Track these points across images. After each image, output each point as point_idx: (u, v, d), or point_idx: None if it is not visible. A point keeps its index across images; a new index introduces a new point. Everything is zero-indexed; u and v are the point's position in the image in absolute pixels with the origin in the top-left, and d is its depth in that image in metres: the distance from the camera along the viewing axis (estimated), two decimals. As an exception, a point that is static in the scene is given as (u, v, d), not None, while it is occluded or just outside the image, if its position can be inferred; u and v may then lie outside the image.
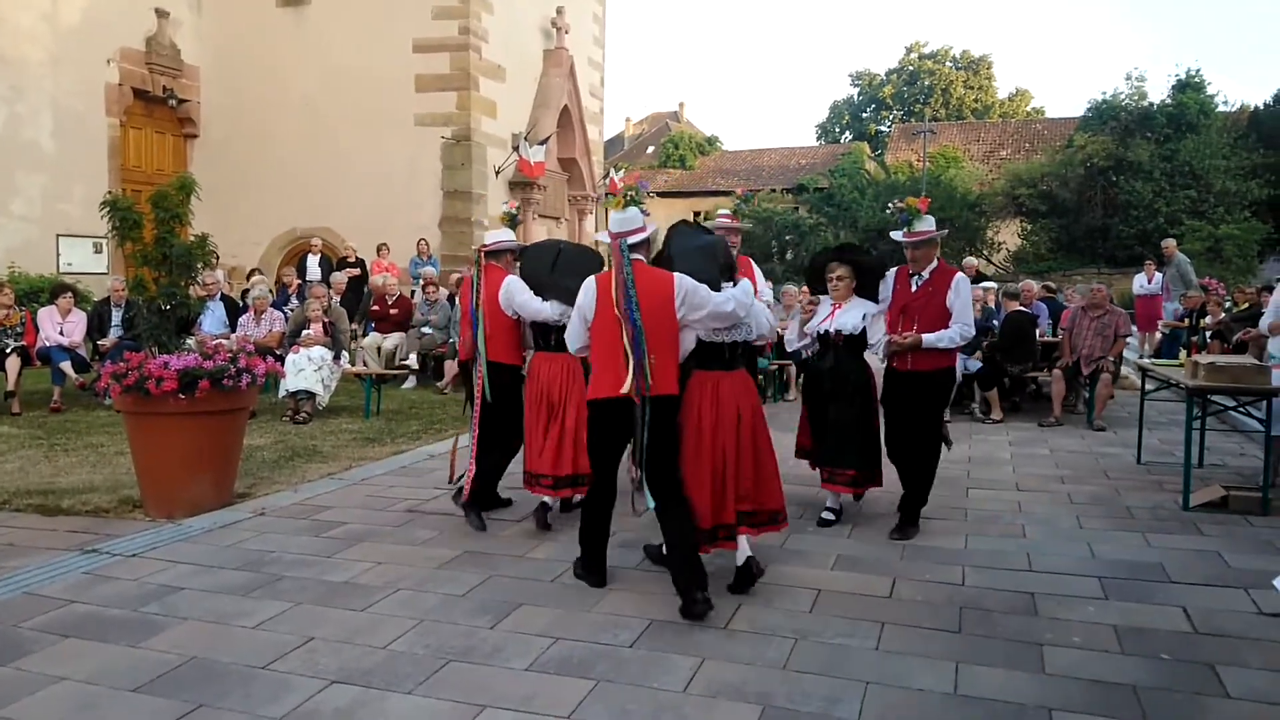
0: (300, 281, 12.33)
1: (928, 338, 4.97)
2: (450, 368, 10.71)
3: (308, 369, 8.76)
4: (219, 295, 10.23)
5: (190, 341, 7.87)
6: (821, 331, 5.22)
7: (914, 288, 5.13)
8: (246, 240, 15.70)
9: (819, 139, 49.24)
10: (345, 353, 9.63)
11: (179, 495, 5.36)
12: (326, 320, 9.27)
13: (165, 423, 5.27)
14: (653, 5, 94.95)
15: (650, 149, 41.04)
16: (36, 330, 9.26)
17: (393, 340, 11.35)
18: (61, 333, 9.26)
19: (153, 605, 3.98)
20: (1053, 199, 24.75)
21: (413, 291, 12.89)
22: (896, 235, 5.25)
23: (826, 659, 3.44)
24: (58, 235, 13.93)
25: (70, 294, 9.53)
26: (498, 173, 16.71)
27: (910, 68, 49.23)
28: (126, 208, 7.56)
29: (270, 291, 11.05)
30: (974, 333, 5.25)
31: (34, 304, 10.33)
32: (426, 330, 11.33)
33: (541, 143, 17.10)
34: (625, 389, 3.81)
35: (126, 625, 3.75)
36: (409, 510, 5.60)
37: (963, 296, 5.02)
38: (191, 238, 7.95)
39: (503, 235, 5.42)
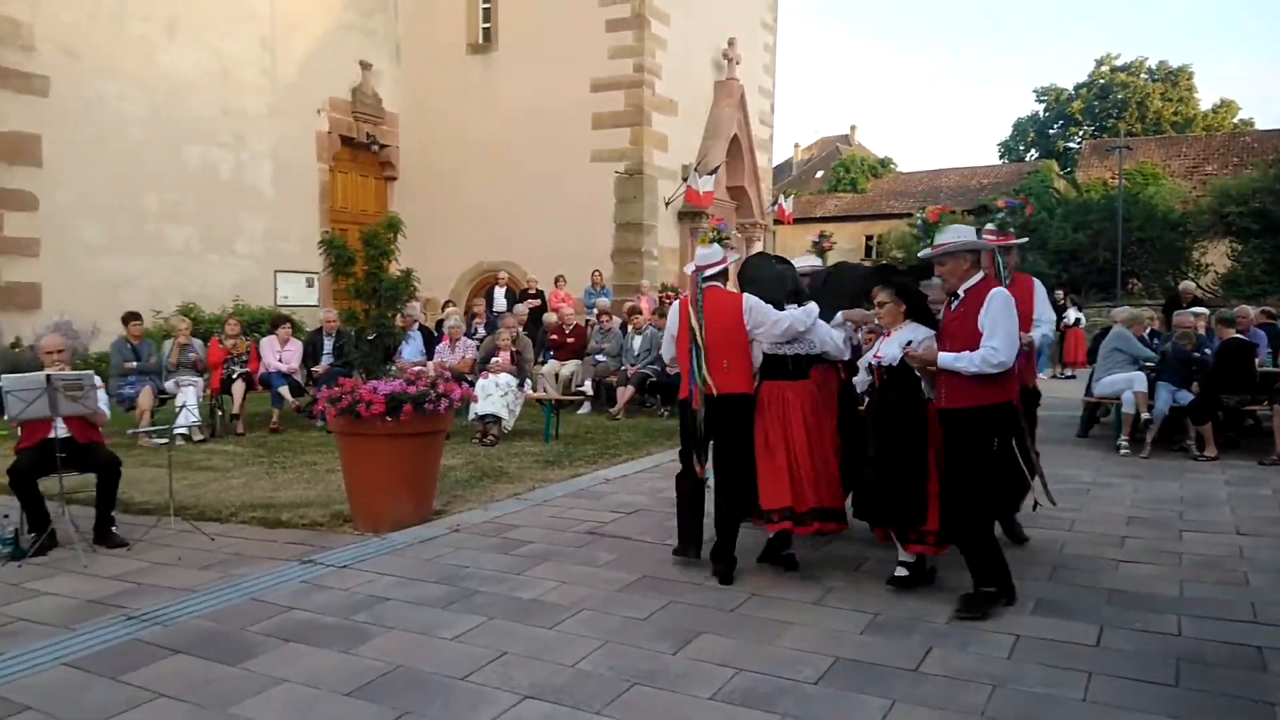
0: (488, 312, 12.99)
1: (944, 358, 4.22)
2: (623, 394, 10.96)
3: (495, 394, 9.20)
4: (416, 325, 10.94)
5: (393, 368, 8.46)
6: (870, 364, 4.65)
7: (953, 308, 4.40)
8: (438, 274, 16.73)
9: (1002, 157, 47.14)
10: (529, 379, 10.05)
11: (384, 511, 5.76)
12: (514, 349, 9.72)
13: (373, 443, 5.68)
14: (824, 31, 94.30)
15: (819, 173, 40.59)
16: (259, 358, 10.22)
17: (569, 367, 11.76)
18: (280, 360, 10.18)
19: (362, 614, 4.28)
20: (1267, 217, 22.53)
21: (587, 321, 13.30)
22: (925, 251, 4.69)
23: (1027, 708, 3.26)
24: (275, 271, 15.34)
25: (288, 325, 10.47)
26: (667, 204, 17.02)
27: (1101, 81, 46.33)
28: (341, 246, 8.28)
29: (461, 321, 11.71)
30: (1004, 358, 4.10)
31: (256, 334, 11.40)
32: (600, 358, 11.66)
33: (711, 173, 17.29)
34: (686, 394, 4.77)
35: (340, 632, 4.06)
36: (589, 532, 5.76)
37: (994, 313, 4.14)
38: (396, 273, 8.59)
39: (714, 255, 5.08)
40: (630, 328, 11.59)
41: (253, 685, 3.51)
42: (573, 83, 16.20)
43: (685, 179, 17.07)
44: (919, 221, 4.94)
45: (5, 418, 5.35)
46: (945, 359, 4.21)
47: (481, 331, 11.59)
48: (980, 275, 4.35)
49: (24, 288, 12.01)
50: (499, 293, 14.76)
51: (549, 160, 16.34)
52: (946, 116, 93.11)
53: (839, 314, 5.16)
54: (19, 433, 5.57)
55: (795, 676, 3.54)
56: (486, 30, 17.21)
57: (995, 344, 4.10)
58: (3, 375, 5.41)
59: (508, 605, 4.39)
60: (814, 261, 5.93)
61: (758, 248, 20.34)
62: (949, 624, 4.11)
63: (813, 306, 4.86)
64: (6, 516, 5.49)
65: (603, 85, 16.19)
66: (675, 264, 16.68)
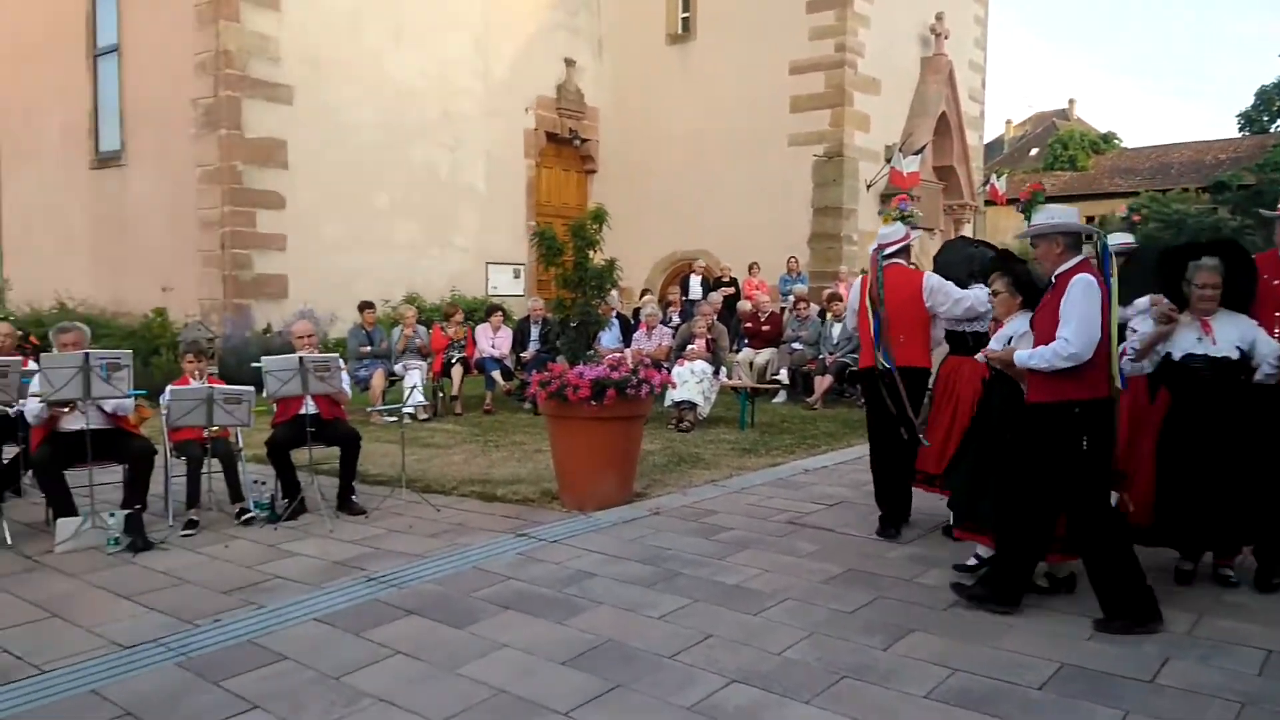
0: (683, 300, 13.14)
1: (1019, 355, 4.02)
2: (821, 383, 10.78)
3: (690, 381, 9.31)
4: (614, 313, 11.25)
5: (594, 354, 8.75)
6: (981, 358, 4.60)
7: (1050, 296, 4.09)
8: (633, 263, 17.08)
9: (1242, 129, 42.27)
10: (724, 367, 10.10)
11: (589, 490, 5.99)
12: (709, 337, 9.80)
13: (579, 425, 5.91)
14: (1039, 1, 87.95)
15: (1034, 151, 38.02)
16: (474, 344, 10.88)
17: (764, 355, 11.68)
18: (493, 346, 10.80)
19: (573, 588, 4.47)
20: None
21: (783, 309, 13.16)
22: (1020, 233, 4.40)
23: (1289, 735, 2.94)
24: (487, 263, 16.23)
25: (500, 313, 11.08)
26: (869, 186, 16.51)
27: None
28: (551, 237, 8.66)
29: (657, 309, 11.92)
30: (1075, 349, 3.78)
31: (470, 322, 12.13)
32: (797, 346, 11.50)
33: (916, 153, 16.58)
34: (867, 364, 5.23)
35: (553, 603, 4.26)
36: (790, 522, 5.72)
37: (1071, 299, 3.84)
38: (601, 262, 8.89)
39: (896, 233, 5.39)
40: (829, 315, 11.36)
41: (477, 648, 3.76)
42: (771, 67, 16.02)
43: (888, 160, 16.49)
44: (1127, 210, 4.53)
45: (264, 395, 5.99)
46: (1020, 356, 4.02)
47: (676, 319, 11.74)
48: (1077, 259, 4.01)
49: (273, 279, 13.35)
50: (694, 280, 14.88)
51: (745, 146, 16.27)
52: (1178, 85, 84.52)
53: None
54: (274, 409, 6.22)
55: (1017, 680, 3.37)
56: (685, 20, 17.33)
57: (1067, 334, 3.81)
58: (263, 357, 6.06)
59: (711, 589, 4.45)
60: (1126, 238, 5.54)
61: (966, 230, 19.38)
62: (1184, 634, 3.76)
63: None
64: (264, 483, 6.17)
65: (802, 67, 15.91)
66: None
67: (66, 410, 5.36)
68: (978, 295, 5.07)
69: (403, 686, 3.40)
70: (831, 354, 11.01)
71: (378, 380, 9.96)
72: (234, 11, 12.60)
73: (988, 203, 21.02)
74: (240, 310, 12.73)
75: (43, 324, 11.93)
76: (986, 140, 28.02)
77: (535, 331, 11.09)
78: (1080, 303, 3.84)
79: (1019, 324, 4.40)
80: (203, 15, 12.70)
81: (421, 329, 10.85)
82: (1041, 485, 3.96)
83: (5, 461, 6.10)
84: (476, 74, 15.95)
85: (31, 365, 5.77)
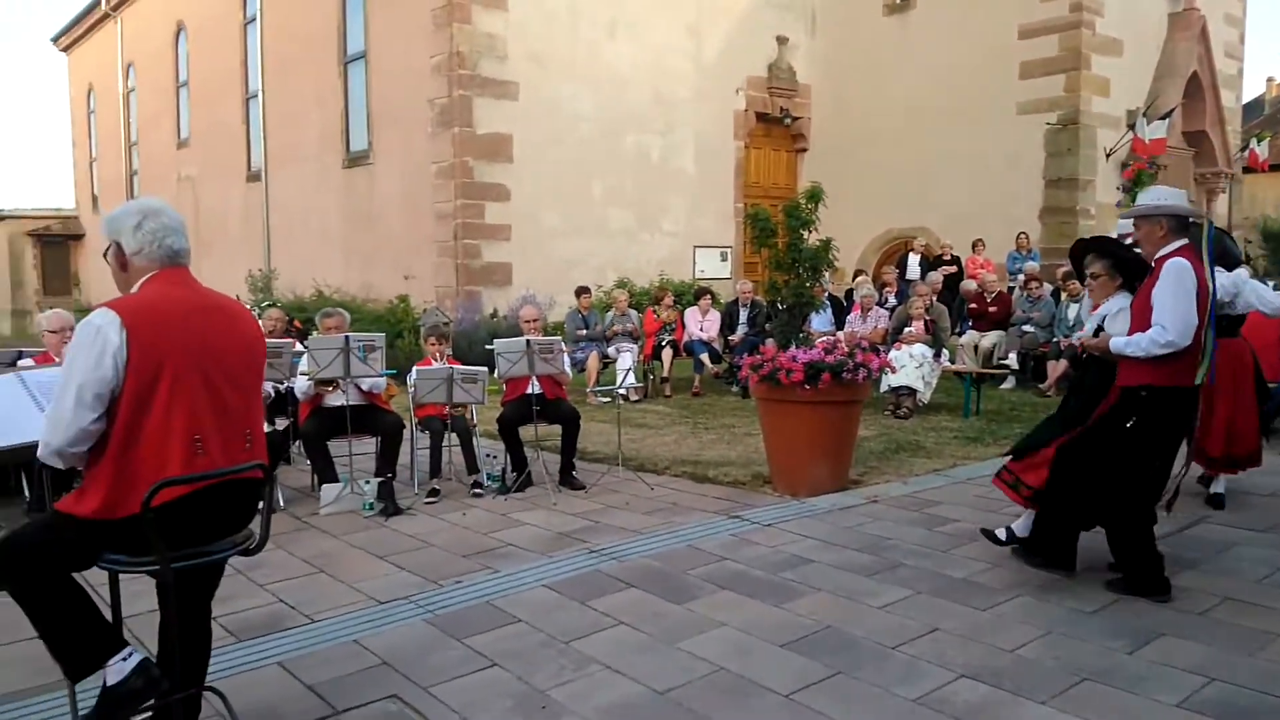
0: (899, 280, 12.68)
1: (1115, 343, 3.98)
2: (1054, 368, 10.06)
3: (909, 366, 8.98)
4: (826, 295, 11.04)
5: (804, 337, 8.63)
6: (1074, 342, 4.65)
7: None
8: (846, 243, 16.62)
9: None
10: (945, 350, 9.66)
11: (802, 476, 5.93)
12: (928, 318, 9.40)
13: (792, 409, 5.86)
14: (1317, -70, 76.68)
15: (1310, 108, 33.34)
16: (684, 327, 11.04)
17: (991, 338, 11.06)
18: (701, 329, 10.91)
19: (788, 572, 4.46)
20: None
21: (1010, 288, 12.39)
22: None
23: None
24: (694, 247, 16.39)
25: (709, 296, 11.18)
26: (1109, 156, 15.16)
27: None
28: (765, 218, 8.62)
29: (873, 290, 11.58)
30: (1172, 337, 3.76)
31: (679, 306, 12.31)
32: (1028, 328, 10.80)
33: (1163, 117, 15.03)
34: (1198, 379, 3.98)
35: (769, 586, 4.27)
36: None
37: (1162, 286, 3.83)
38: (816, 242, 8.74)
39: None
40: (1064, 295, 10.57)
41: (696, 624, 3.84)
42: (996, 32, 15.04)
43: (1130, 126, 15.07)
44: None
45: (495, 375, 6.39)
46: (1117, 344, 3.97)
47: (893, 301, 11.35)
48: (1178, 244, 3.95)
49: (499, 267, 14.18)
50: (912, 260, 14.32)
51: (967, 117, 15.39)
52: None
53: None
54: (504, 388, 6.61)
55: (1289, 700, 3.03)
56: (904, -11, 16.63)
57: (1164, 321, 3.80)
58: (495, 340, 6.46)
59: (935, 581, 4.29)
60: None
61: (1221, 201, 17.43)
62: None
63: (1241, 271, 5.30)
64: (495, 457, 6.59)
65: (1032, 31, 14.82)
66: (1115, 222, 14.82)
67: (330, 389, 5.98)
68: (1222, 281, 4.81)
69: (626, 655, 3.54)
70: (1067, 336, 10.24)
71: (592, 362, 10.34)
72: (466, 14, 13.43)
73: (1246, 170, 18.77)
74: (471, 296, 13.62)
75: (304, 309, 13.33)
76: (1244, 100, 24.98)
77: (744, 314, 11.09)
78: (1171, 288, 3.82)
79: (1114, 304, 4.33)
80: (438, 19, 13.64)
81: (633, 313, 11.14)
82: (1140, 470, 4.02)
83: (278, 433, 6.88)
84: (688, 58, 16.09)
85: (298, 346, 6.46)
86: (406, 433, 6.31)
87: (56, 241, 28.43)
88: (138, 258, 2.62)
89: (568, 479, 6.41)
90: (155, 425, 2.45)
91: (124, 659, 2.52)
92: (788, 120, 17.44)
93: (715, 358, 10.91)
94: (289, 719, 3.08)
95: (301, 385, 6.04)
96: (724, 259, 16.79)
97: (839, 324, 10.72)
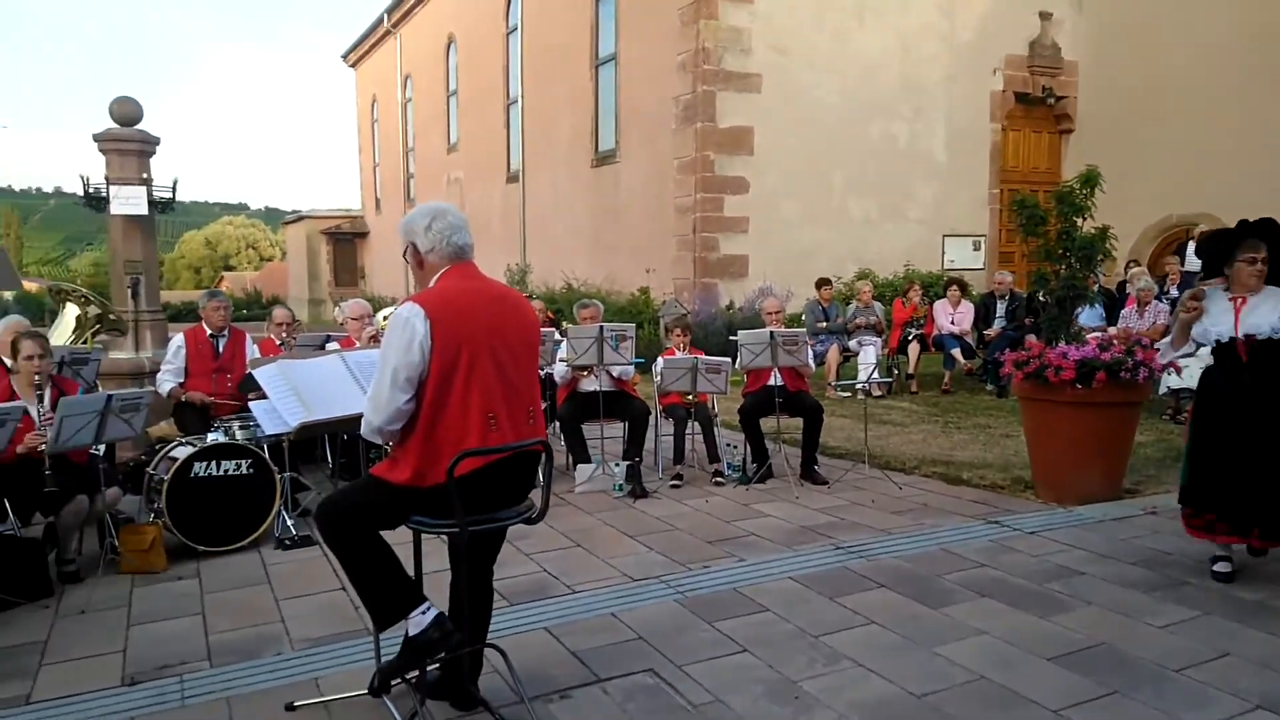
0: (1181, 271, 11.44)
1: None
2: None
3: (1193, 366, 8.08)
4: (1096, 287, 10.17)
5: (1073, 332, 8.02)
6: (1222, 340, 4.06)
7: None
8: (1118, 231, 15.23)
9: None
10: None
11: (1069, 482, 5.53)
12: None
13: (1061, 410, 5.46)
14: None
15: None
16: (933, 320, 10.59)
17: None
18: (952, 322, 10.41)
19: (1055, 583, 4.19)
20: None
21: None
22: None
23: None
24: (943, 235, 15.65)
25: (960, 287, 10.64)
26: None
27: None
28: (1034, 205, 8.08)
29: (1151, 283, 10.52)
30: None
31: (927, 298, 11.82)
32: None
33: None
34: None
35: (1034, 596, 4.03)
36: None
37: None
38: (1091, 231, 8.07)
39: None
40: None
41: (953, 630, 3.70)
42: (1306, -10, 13.14)
43: None
44: None
45: (737, 365, 6.46)
46: None
47: (1175, 293, 10.24)
48: None
49: (736, 259, 14.27)
50: (1191, 250, 12.83)
51: (1255, 92, 13.54)
52: None
53: None
54: (745, 379, 6.68)
55: None
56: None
57: None
58: (739, 331, 6.54)
59: (1225, 603, 3.87)
60: None
61: None
62: None
63: None
64: (735, 447, 6.67)
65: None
66: None
67: (585, 374, 6.32)
68: None
69: (879, 654, 3.48)
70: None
71: (832, 355, 10.17)
72: (713, 9, 13.61)
73: None
74: (708, 289, 13.83)
75: (554, 301, 14.13)
76: None
77: (1001, 307, 10.45)
78: None
79: (1268, 295, 4.03)
80: (685, 17, 13.92)
81: (877, 305, 10.83)
82: None
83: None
84: (941, 39, 15.36)
85: (557, 335, 6.88)
86: (651, 419, 6.53)
87: (346, 239, 31.93)
88: (431, 255, 2.91)
89: (809, 473, 6.37)
90: (456, 404, 2.73)
91: (423, 612, 2.82)
92: (1051, 100, 16.20)
93: (968, 353, 10.39)
94: (558, 681, 3.31)
95: (560, 370, 6.43)
96: (976, 248, 15.93)
97: (1110, 319, 9.83)
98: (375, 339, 6.50)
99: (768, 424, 6.51)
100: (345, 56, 32.33)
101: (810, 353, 6.69)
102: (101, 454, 4.92)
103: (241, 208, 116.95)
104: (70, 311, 7.06)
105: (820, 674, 3.34)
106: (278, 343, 6.61)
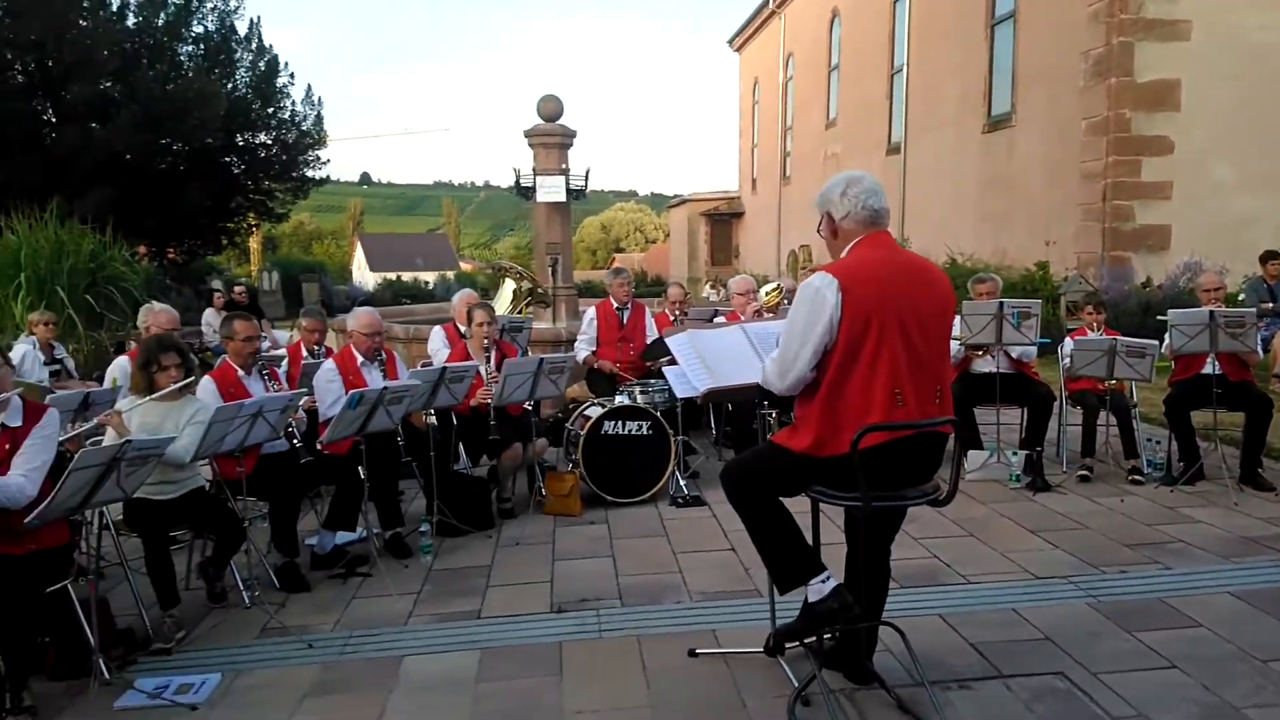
0: None
1: None
2: None
3: None
4: None
5: None
6: None
7: None
8: None
9: None
10: None
11: None
12: None
13: None
14: None
15: None
16: None
17: None
18: None
19: None
20: None
21: None
22: None
23: None
24: None
25: None
26: None
27: None
28: None
29: None
30: None
31: None
32: None
33: None
34: None
35: None
36: None
37: None
38: None
39: None
40: None
41: None
42: None
43: None
44: None
45: (1164, 349, 5.68)
46: None
47: None
48: None
49: (1155, 230, 12.52)
50: None
51: None
52: None
53: None
54: (1174, 365, 5.86)
55: None
56: None
57: None
58: (1170, 310, 5.74)
59: None
60: None
61: None
62: None
63: None
64: (1158, 442, 5.89)
65: None
66: None
67: (979, 354, 5.96)
68: None
69: (1359, 699, 2.90)
70: None
71: (1278, 342, 8.58)
72: (1133, -50, 12.05)
73: None
74: (1119, 263, 12.34)
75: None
76: None
77: None
78: None
79: None
80: (1099, -39, 12.47)
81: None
82: None
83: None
84: None
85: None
86: (1055, 406, 5.99)
87: (723, 219, 33.21)
88: (845, 221, 2.88)
89: (1251, 476, 5.46)
90: (861, 376, 2.70)
91: (823, 581, 2.85)
92: None
93: None
94: (956, 670, 3.18)
95: (952, 348, 6.12)
96: None
97: None
98: (759, 313, 6.70)
99: (1199, 418, 5.67)
100: (731, 41, 33.41)
101: (1258, 337, 5.70)
102: (531, 409, 5.63)
103: (631, 194, 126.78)
104: (508, 286, 8.17)
105: (1271, 704, 2.87)
106: (671, 318, 7.06)
